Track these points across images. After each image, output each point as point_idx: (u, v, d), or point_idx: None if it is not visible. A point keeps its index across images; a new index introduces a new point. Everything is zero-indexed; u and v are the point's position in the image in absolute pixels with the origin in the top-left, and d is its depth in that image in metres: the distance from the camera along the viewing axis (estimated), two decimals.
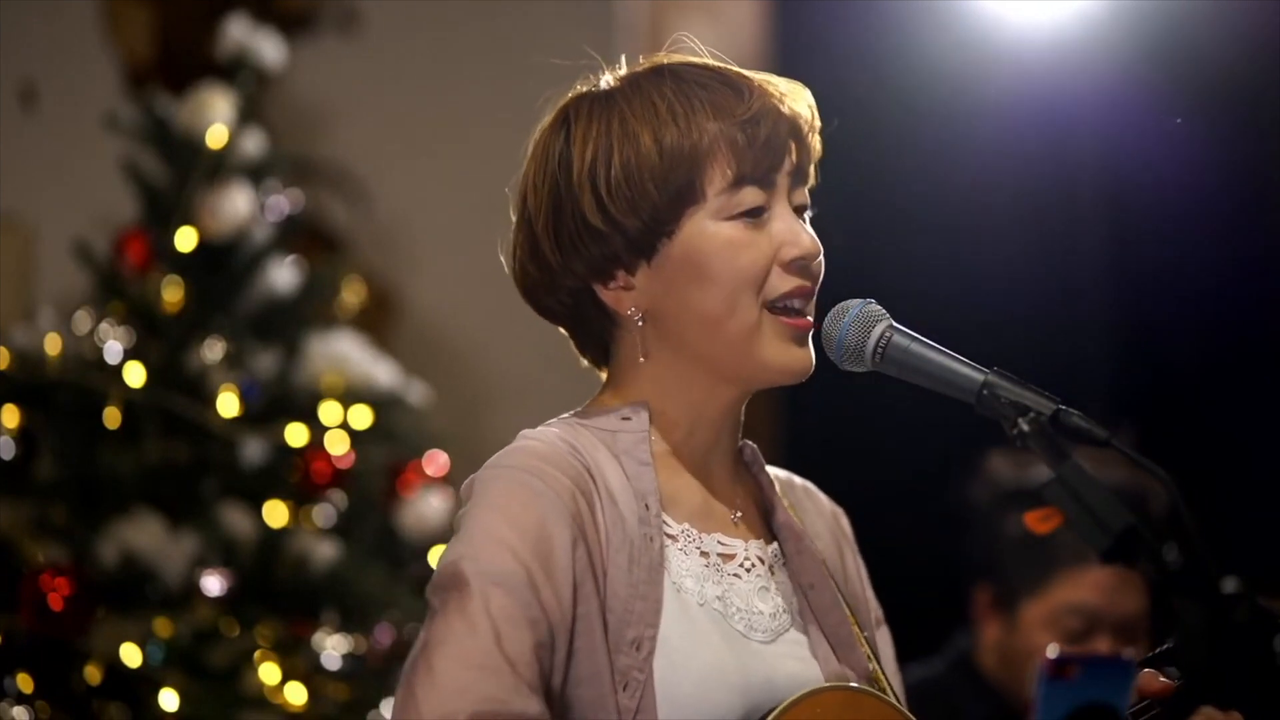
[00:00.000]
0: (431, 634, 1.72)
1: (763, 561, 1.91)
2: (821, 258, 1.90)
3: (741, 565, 1.89)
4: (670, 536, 1.86)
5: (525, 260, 1.92)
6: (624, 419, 1.89)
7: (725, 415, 1.93)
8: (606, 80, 1.92)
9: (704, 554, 1.88)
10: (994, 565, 3.21)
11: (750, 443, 1.99)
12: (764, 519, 1.96)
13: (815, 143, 1.93)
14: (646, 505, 1.84)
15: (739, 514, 1.93)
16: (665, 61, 1.92)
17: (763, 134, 1.86)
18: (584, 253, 1.87)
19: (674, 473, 1.90)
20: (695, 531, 1.88)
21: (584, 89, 1.92)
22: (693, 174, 1.84)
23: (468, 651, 1.70)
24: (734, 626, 1.85)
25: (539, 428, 1.88)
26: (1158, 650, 1.79)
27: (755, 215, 1.86)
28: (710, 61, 1.92)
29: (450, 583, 1.74)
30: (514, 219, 1.94)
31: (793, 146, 1.89)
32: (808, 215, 1.92)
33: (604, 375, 1.97)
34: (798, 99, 1.91)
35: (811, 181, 1.94)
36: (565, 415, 1.93)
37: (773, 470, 2.04)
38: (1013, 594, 3.17)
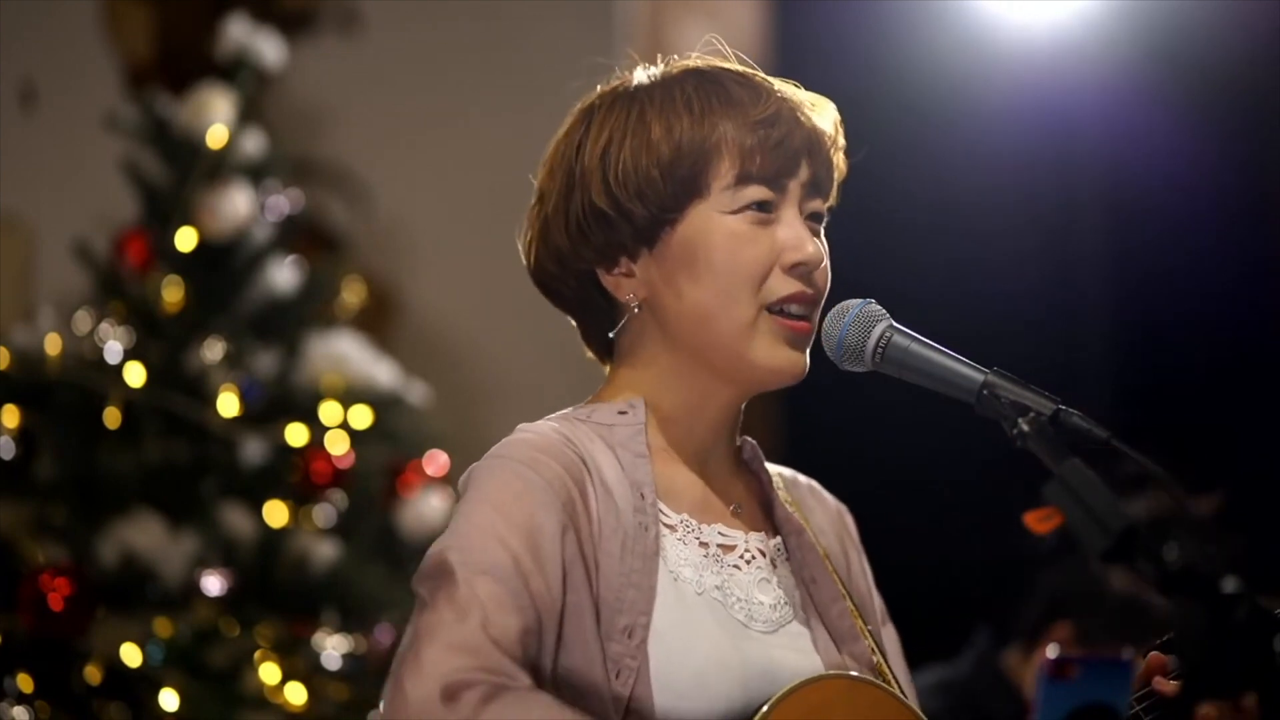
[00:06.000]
0: (419, 625, 1.74)
1: (764, 554, 1.92)
2: (827, 267, 1.90)
3: (741, 557, 1.90)
4: (668, 526, 1.87)
5: (538, 244, 1.95)
6: (620, 413, 1.91)
7: (722, 414, 1.93)
8: (640, 77, 1.94)
9: (703, 544, 1.88)
10: (1082, 612, 3.18)
11: (750, 439, 1.99)
12: (766, 513, 1.97)
13: (838, 160, 1.94)
14: (642, 495, 1.85)
15: (738, 505, 1.94)
16: (698, 64, 1.94)
17: (775, 137, 1.87)
18: (591, 237, 1.89)
19: (672, 465, 1.91)
20: (694, 522, 1.89)
21: (615, 84, 1.94)
22: (698, 166, 1.86)
23: (453, 637, 1.71)
24: (734, 615, 1.85)
25: (537, 422, 1.90)
26: (1160, 641, 1.81)
27: (763, 210, 1.87)
28: (738, 66, 1.94)
29: (436, 572, 1.76)
30: (532, 204, 1.96)
31: (808, 156, 1.90)
32: (821, 227, 1.93)
33: (607, 369, 1.99)
34: (822, 114, 1.93)
35: (831, 200, 1.94)
36: (563, 411, 1.94)
37: (778, 468, 2.04)
38: (1095, 643, 3.15)
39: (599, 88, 1.95)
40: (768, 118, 1.87)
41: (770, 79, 1.93)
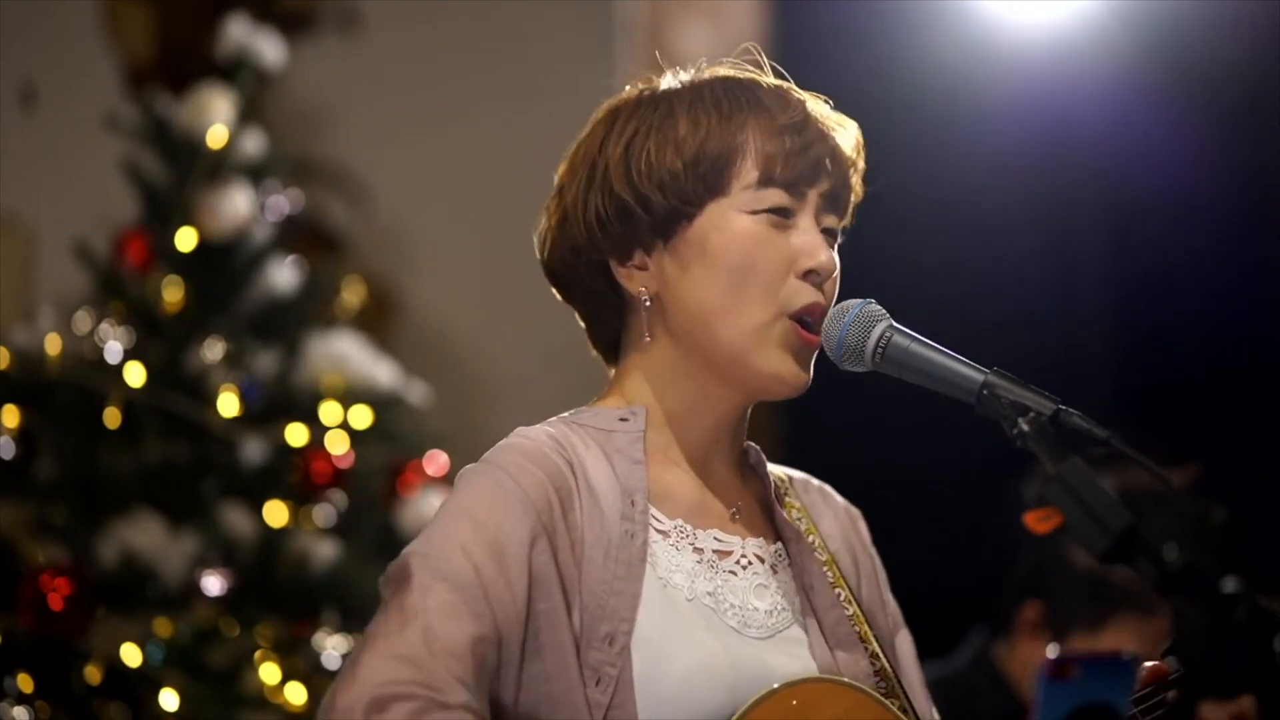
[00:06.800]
0: (368, 629, 1.76)
1: (762, 560, 1.92)
2: (836, 279, 1.91)
3: (737, 562, 1.90)
4: (661, 532, 1.87)
5: (554, 235, 1.95)
6: (621, 420, 1.91)
7: (722, 416, 1.93)
8: (669, 81, 1.95)
9: (698, 550, 1.88)
10: (1050, 589, 3.18)
11: (754, 445, 1.99)
12: (768, 518, 1.97)
13: (855, 182, 1.95)
14: (632, 502, 1.85)
15: (737, 510, 1.94)
16: (730, 71, 1.96)
17: (799, 144, 1.88)
18: (609, 229, 1.90)
19: (670, 469, 1.91)
20: (689, 528, 1.89)
21: (642, 88, 1.96)
22: (721, 164, 1.87)
23: (393, 645, 1.73)
24: (726, 622, 1.85)
25: (534, 426, 1.90)
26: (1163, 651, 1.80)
27: (780, 215, 1.88)
28: (769, 79, 1.95)
29: (398, 575, 1.78)
30: (550, 198, 1.98)
31: (829, 170, 1.90)
32: (836, 243, 1.94)
33: (611, 372, 1.99)
34: (846, 135, 1.94)
35: (846, 220, 1.95)
36: (564, 414, 1.94)
37: (789, 471, 2.04)
38: (1065, 623, 3.15)
39: (627, 87, 1.96)
40: (794, 124, 1.89)
41: (800, 92, 1.94)
